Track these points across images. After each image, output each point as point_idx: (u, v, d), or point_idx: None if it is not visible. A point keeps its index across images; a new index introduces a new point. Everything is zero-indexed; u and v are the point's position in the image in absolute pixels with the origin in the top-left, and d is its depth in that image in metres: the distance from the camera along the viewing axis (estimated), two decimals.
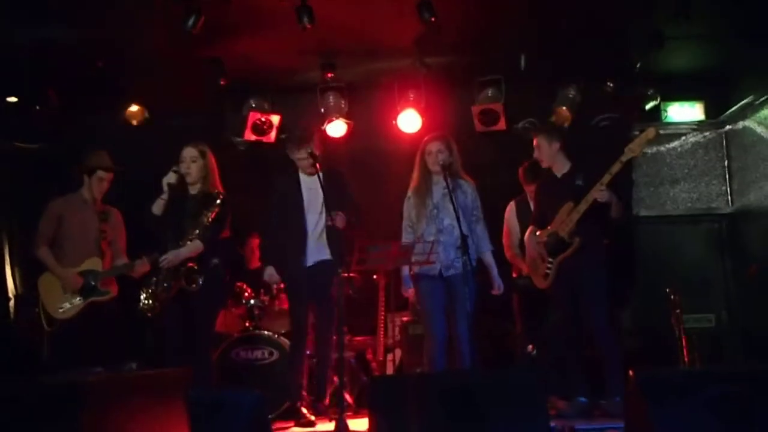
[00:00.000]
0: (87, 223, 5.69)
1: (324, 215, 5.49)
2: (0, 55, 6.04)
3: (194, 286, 5.22)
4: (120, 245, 5.84)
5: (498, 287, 5.50)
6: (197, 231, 5.28)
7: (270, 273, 5.73)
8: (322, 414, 5.62)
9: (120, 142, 6.58)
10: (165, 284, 5.24)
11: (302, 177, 5.73)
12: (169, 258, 5.23)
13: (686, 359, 5.46)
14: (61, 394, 1.85)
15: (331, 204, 5.35)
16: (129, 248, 5.89)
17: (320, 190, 5.43)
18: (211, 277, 5.30)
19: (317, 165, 5.45)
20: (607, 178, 5.23)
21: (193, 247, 5.28)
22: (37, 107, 6.67)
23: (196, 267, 5.24)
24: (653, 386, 3.45)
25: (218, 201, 5.35)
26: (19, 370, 5.79)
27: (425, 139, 5.63)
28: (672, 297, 5.59)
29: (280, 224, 5.69)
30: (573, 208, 5.37)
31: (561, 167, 5.62)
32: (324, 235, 5.64)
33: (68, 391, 1.84)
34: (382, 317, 6.56)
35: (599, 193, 5.23)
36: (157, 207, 5.34)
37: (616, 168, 5.25)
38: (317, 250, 5.65)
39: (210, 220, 5.31)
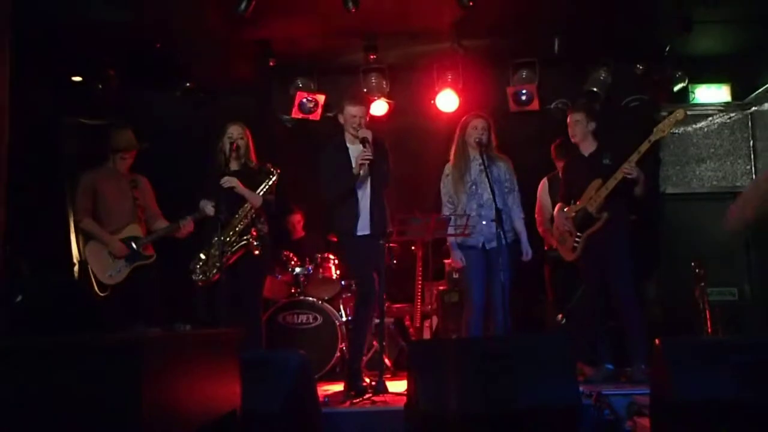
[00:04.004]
0: (121, 191, 5.69)
1: (368, 187, 5.21)
2: (66, 37, 6.09)
3: (257, 252, 5.22)
4: (154, 210, 5.84)
5: (526, 254, 5.47)
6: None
7: None
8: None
9: (175, 117, 6.63)
10: (228, 252, 5.18)
11: (349, 146, 5.30)
12: (230, 179, 5.18)
13: (710, 331, 5.39)
14: (123, 351, 1.86)
15: (378, 174, 5.15)
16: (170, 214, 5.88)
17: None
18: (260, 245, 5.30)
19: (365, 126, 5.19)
20: (635, 156, 5.16)
21: (253, 195, 5.25)
22: (100, 86, 6.72)
23: (256, 234, 5.23)
24: (679, 354, 3.41)
25: (276, 173, 5.36)
26: (80, 327, 5.88)
27: (467, 116, 5.56)
28: (697, 271, 5.52)
29: (334, 193, 5.25)
30: (601, 185, 5.31)
31: (589, 146, 5.55)
32: (368, 208, 5.21)
33: (130, 348, 1.85)
34: (420, 286, 6.54)
35: (628, 170, 5.15)
36: (208, 209, 5.27)
37: (644, 147, 5.17)
38: (364, 222, 5.20)
39: (270, 187, 5.32)
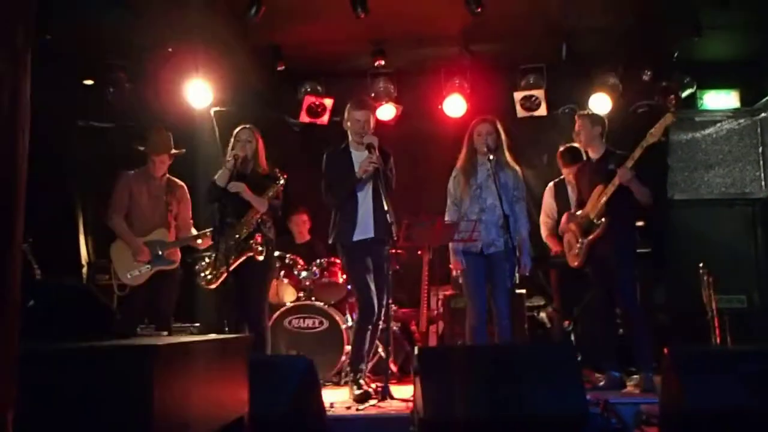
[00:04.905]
0: (155, 196, 5.74)
1: (370, 192, 5.20)
2: (77, 43, 6.12)
3: (260, 257, 5.23)
4: (185, 218, 5.86)
5: (524, 267, 5.36)
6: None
7: None
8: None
9: (184, 121, 6.65)
10: (233, 256, 5.16)
11: (353, 152, 5.30)
12: (237, 184, 5.18)
13: (719, 338, 5.37)
14: (134, 357, 1.86)
15: (381, 179, 5.09)
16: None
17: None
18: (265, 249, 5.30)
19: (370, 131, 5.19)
20: (629, 162, 5.12)
21: (259, 200, 5.25)
22: (111, 89, 6.73)
23: (260, 239, 5.24)
24: (688, 362, 3.40)
25: (282, 179, 5.36)
26: (90, 333, 5.88)
27: (475, 121, 5.54)
28: (705, 278, 5.49)
29: (335, 197, 5.26)
30: (602, 191, 5.29)
31: (596, 151, 5.52)
32: (371, 212, 5.21)
33: (141, 354, 1.85)
34: (426, 291, 6.53)
35: (621, 175, 5.13)
36: (222, 178, 5.20)
37: (638, 153, 5.12)
38: (365, 227, 5.21)
39: (275, 192, 5.33)
